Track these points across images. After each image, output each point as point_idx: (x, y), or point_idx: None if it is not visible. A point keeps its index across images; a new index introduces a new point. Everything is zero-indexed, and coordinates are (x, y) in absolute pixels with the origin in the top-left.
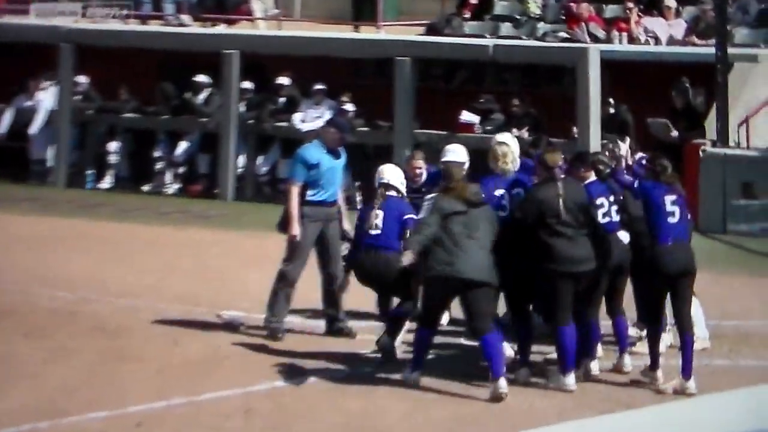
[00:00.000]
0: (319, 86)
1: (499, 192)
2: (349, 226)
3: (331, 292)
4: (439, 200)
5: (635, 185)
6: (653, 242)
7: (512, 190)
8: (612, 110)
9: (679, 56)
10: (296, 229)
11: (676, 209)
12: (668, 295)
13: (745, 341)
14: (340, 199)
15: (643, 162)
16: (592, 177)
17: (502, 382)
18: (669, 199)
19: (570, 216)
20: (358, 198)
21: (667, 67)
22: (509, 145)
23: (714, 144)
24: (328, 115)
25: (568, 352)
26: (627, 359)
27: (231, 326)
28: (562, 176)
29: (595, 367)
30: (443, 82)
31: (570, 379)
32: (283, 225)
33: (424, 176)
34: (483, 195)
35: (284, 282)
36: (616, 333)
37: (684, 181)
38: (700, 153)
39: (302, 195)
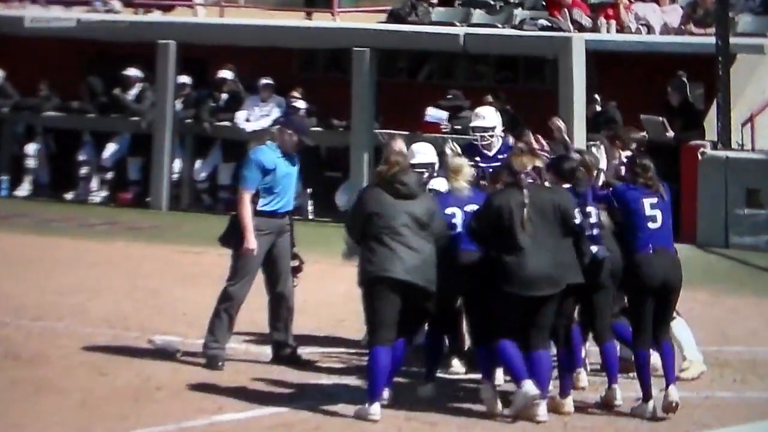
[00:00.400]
0: (265, 81)
1: (450, 211)
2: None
3: (281, 315)
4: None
5: (610, 193)
6: (631, 251)
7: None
8: (599, 108)
9: (675, 47)
10: (252, 242)
11: (657, 213)
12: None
13: (750, 370)
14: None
15: (624, 162)
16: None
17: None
18: (648, 202)
19: (536, 229)
20: (310, 207)
21: (662, 59)
22: (463, 159)
23: (714, 146)
24: (276, 113)
25: (513, 366)
26: (617, 392)
27: (165, 353)
28: (530, 182)
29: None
30: (407, 76)
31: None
32: (228, 238)
33: None
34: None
35: (229, 303)
36: (604, 361)
37: (680, 187)
38: (699, 156)
39: (252, 204)
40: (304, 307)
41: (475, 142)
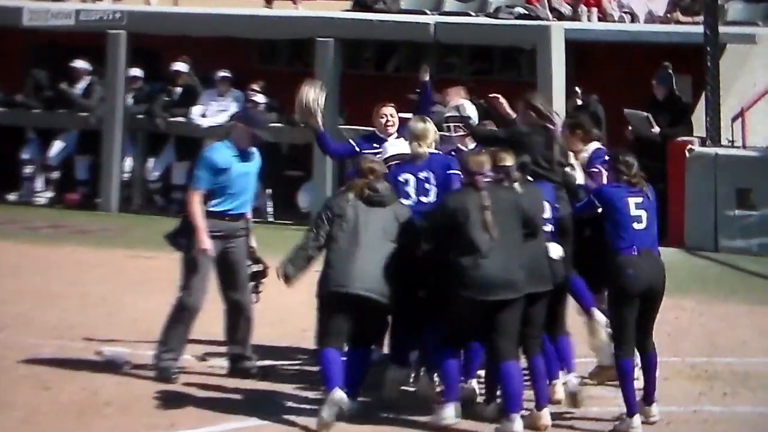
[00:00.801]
0: (222, 74)
1: (403, 178)
2: (256, 243)
3: (238, 325)
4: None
5: (592, 192)
6: (614, 253)
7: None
8: (580, 101)
9: (661, 36)
10: (205, 242)
11: (643, 214)
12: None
13: (741, 382)
14: (249, 211)
15: (605, 159)
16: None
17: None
18: (633, 201)
19: (499, 232)
20: (269, 209)
21: (647, 49)
22: (428, 122)
23: (703, 142)
24: (233, 108)
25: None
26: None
27: (113, 365)
28: (488, 182)
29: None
30: (374, 68)
31: (449, 411)
32: (176, 237)
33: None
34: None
35: (183, 312)
36: (560, 356)
37: (666, 187)
38: (687, 153)
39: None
40: (263, 315)
41: (448, 133)
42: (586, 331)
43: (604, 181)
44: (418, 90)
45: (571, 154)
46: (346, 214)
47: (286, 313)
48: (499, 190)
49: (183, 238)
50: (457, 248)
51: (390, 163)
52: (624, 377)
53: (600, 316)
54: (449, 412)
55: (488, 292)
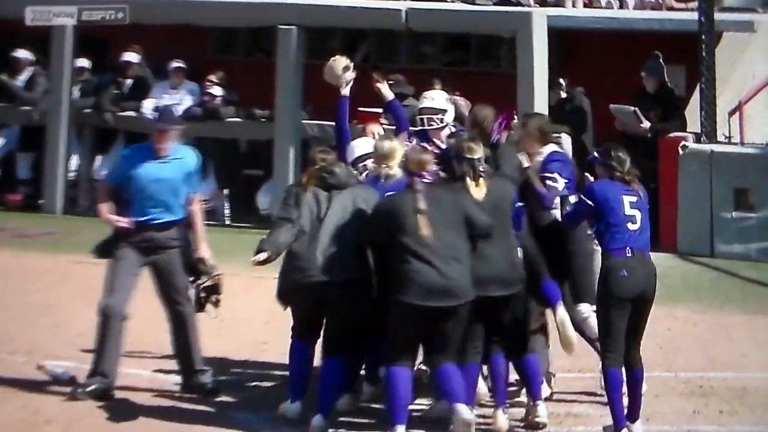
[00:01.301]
0: (176, 64)
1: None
2: (207, 251)
3: (182, 338)
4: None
5: (584, 189)
6: (606, 254)
7: None
8: (564, 94)
9: (652, 24)
10: (119, 221)
11: (637, 214)
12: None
13: (739, 399)
14: (197, 215)
15: (595, 156)
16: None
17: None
18: (628, 200)
19: (435, 235)
20: (227, 211)
21: (637, 38)
22: (394, 140)
23: (698, 138)
24: (188, 101)
25: (397, 398)
26: (542, 408)
27: (56, 381)
28: (428, 182)
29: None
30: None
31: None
32: (104, 248)
33: None
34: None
35: (105, 320)
36: (523, 377)
37: (658, 187)
38: (680, 150)
39: (125, 205)
40: (220, 326)
41: (422, 127)
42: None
43: (561, 190)
44: (382, 110)
45: (525, 157)
46: (307, 200)
47: (244, 324)
48: (439, 190)
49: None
50: (394, 253)
51: (359, 165)
52: (612, 389)
53: (563, 312)
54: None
55: (425, 299)
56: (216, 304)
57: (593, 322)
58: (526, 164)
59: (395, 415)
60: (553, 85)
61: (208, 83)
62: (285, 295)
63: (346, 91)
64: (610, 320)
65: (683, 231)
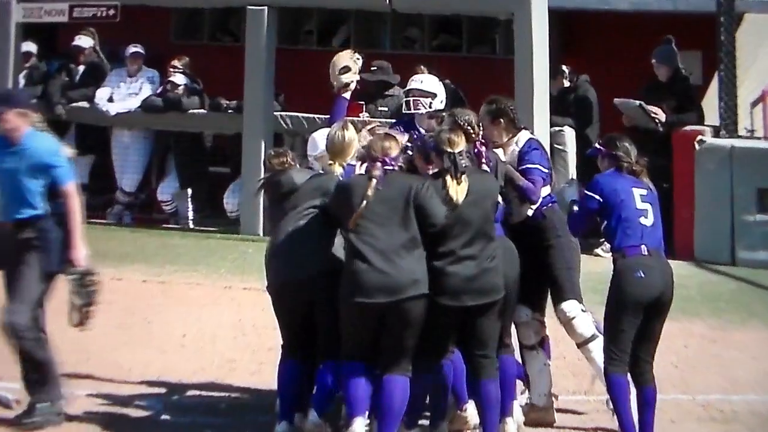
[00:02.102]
0: (134, 49)
1: None
2: (81, 252)
3: (20, 355)
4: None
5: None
6: (619, 253)
7: None
8: (567, 82)
9: (664, 4)
10: None
11: (648, 208)
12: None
13: (763, 426)
14: (70, 210)
15: (597, 147)
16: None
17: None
18: (638, 193)
19: (377, 226)
20: (190, 213)
21: (646, 20)
22: (350, 130)
23: (716, 132)
24: (147, 91)
25: (355, 398)
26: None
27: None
28: (389, 170)
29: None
30: (318, 43)
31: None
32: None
33: None
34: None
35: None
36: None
37: (672, 187)
38: (696, 145)
39: None
40: (182, 343)
41: (407, 111)
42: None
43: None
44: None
45: (499, 150)
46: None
47: (209, 340)
48: (398, 179)
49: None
50: (347, 242)
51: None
52: (619, 397)
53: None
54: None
55: (366, 293)
56: (86, 316)
57: (581, 321)
58: (502, 158)
59: (353, 408)
60: (554, 73)
61: (171, 69)
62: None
63: (346, 93)
64: (622, 327)
65: (700, 236)
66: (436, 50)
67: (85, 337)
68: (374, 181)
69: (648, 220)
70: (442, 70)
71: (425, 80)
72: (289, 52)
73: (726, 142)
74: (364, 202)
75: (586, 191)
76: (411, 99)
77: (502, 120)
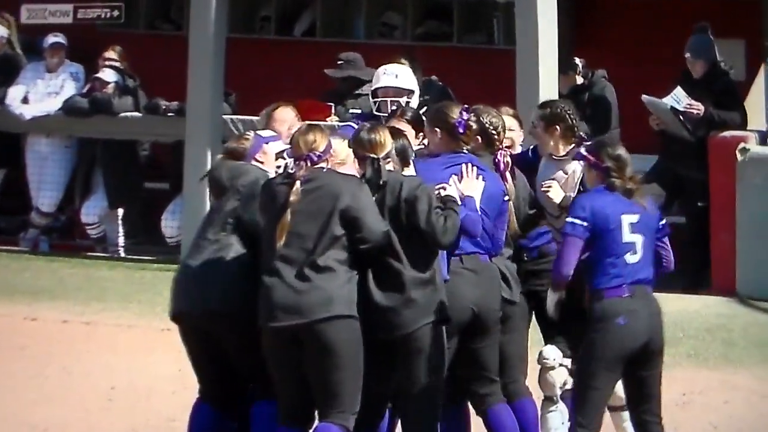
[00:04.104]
0: (54, 39)
1: None
2: None
3: None
4: None
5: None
6: (594, 295)
7: None
8: (580, 79)
9: None
10: None
11: (638, 240)
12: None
13: None
14: None
15: (582, 154)
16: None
17: None
18: (628, 221)
19: (295, 238)
20: (120, 239)
21: (677, 3)
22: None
23: (763, 139)
24: (71, 89)
25: None
26: None
27: None
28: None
29: None
30: (277, 31)
31: None
32: None
33: None
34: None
35: None
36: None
37: (708, 206)
38: (738, 155)
39: None
40: (111, 397)
41: (378, 113)
42: None
43: None
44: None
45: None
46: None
47: (143, 395)
48: (328, 181)
49: None
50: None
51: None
52: None
53: None
54: None
55: (272, 317)
56: None
57: (555, 378)
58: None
59: None
60: (565, 68)
61: (103, 62)
62: None
63: None
64: (596, 385)
65: (744, 266)
66: (420, 39)
67: None
68: (298, 183)
69: (636, 256)
70: (427, 62)
71: (400, 74)
72: (242, 42)
73: None
74: (288, 211)
75: (571, 218)
76: (380, 100)
77: (558, 127)
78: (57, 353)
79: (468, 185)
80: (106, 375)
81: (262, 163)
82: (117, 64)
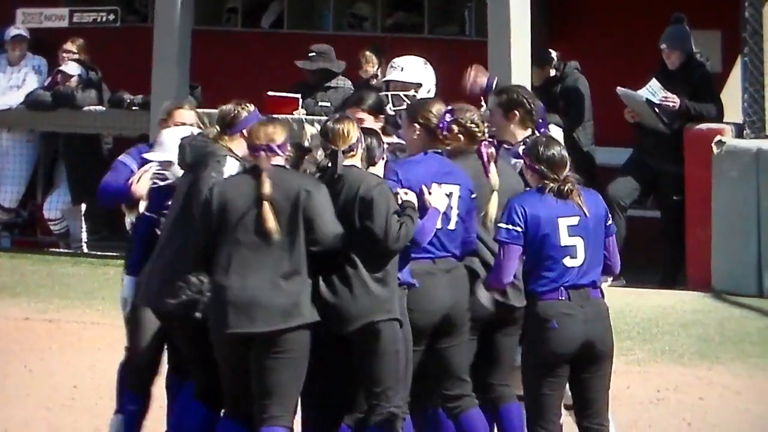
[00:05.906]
0: (16, 32)
1: None
2: None
3: None
4: None
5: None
6: (530, 296)
7: None
8: (553, 71)
9: None
10: None
11: (578, 243)
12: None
13: None
14: None
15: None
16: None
17: None
18: (566, 224)
19: (263, 236)
20: (84, 235)
21: None
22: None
23: (740, 131)
24: (33, 83)
25: None
26: None
27: None
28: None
29: None
30: (244, 23)
31: None
32: None
33: None
34: None
35: None
36: None
37: (683, 200)
38: (714, 148)
39: None
40: (72, 396)
41: (394, 108)
42: None
43: None
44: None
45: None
46: None
47: (106, 394)
48: (288, 177)
49: None
50: (218, 254)
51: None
52: None
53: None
54: None
55: (234, 322)
56: None
57: None
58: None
59: None
60: (539, 60)
61: (63, 54)
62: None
63: None
64: (541, 392)
65: (720, 261)
66: (390, 30)
67: None
68: (266, 174)
69: (576, 260)
70: (398, 54)
71: (406, 66)
72: (208, 34)
73: (751, 143)
74: (265, 203)
75: (504, 224)
76: (391, 94)
77: (517, 112)
78: (19, 351)
79: (436, 198)
80: (69, 373)
81: None
82: (76, 56)
